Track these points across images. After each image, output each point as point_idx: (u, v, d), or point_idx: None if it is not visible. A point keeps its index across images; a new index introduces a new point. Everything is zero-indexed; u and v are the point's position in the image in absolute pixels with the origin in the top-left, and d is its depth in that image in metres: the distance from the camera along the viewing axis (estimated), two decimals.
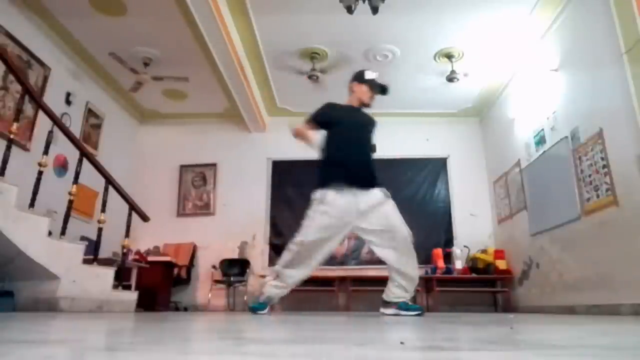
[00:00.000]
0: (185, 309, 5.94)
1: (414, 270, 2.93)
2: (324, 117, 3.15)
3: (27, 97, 3.40)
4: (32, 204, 3.11)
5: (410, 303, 2.93)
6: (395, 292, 2.93)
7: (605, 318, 2.71)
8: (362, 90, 3.18)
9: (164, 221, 6.26)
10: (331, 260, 6.22)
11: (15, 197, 2.87)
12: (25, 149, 4.42)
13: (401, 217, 2.95)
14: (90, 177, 4.05)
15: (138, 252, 5.56)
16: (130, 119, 6.73)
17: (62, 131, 3.54)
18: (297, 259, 2.93)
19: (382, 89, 3.22)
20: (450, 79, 5.36)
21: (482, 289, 5.97)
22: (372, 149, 3.15)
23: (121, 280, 3.84)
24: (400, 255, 2.89)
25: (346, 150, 2.99)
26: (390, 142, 6.40)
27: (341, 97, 3.30)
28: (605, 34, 3.65)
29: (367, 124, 3.19)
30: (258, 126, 6.67)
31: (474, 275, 5.77)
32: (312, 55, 5.25)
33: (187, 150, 6.86)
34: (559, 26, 4.44)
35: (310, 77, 5.43)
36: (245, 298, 6.02)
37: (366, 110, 3.25)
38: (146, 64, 5.28)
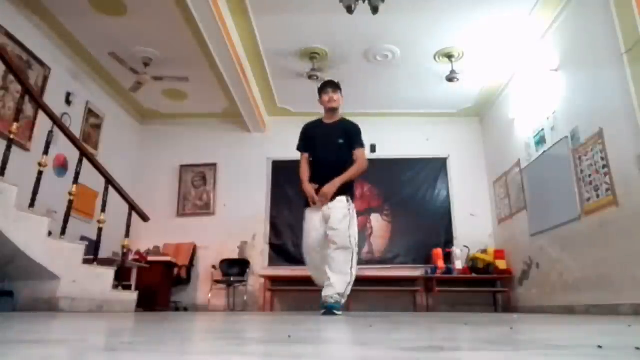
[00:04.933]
0: (185, 309, 5.94)
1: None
2: (303, 143, 3.28)
3: (27, 97, 3.40)
4: (32, 204, 3.11)
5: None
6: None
7: (605, 318, 2.71)
8: (321, 100, 3.29)
9: (164, 221, 6.26)
10: None
11: (15, 197, 2.87)
12: (25, 149, 4.42)
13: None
14: (90, 177, 4.06)
15: (138, 252, 5.57)
16: (130, 119, 6.73)
17: (62, 131, 3.54)
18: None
19: (323, 85, 3.30)
20: (450, 79, 5.37)
21: (482, 289, 5.97)
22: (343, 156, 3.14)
23: (121, 280, 3.84)
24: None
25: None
26: (390, 142, 6.44)
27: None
28: (605, 34, 3.64)
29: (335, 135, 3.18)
30: (258, 126, 6.67)
31: (474, 275, 5.77)
32: (312, 55, 5.25)
33: (187, 150, 6.86)
34: (559, 26, 4.44)
35: (310, 77, 5.42)
36: (245, 298, 6.02)
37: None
38: (146, 64, 5.28)
